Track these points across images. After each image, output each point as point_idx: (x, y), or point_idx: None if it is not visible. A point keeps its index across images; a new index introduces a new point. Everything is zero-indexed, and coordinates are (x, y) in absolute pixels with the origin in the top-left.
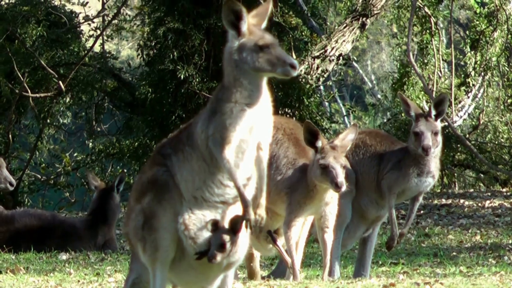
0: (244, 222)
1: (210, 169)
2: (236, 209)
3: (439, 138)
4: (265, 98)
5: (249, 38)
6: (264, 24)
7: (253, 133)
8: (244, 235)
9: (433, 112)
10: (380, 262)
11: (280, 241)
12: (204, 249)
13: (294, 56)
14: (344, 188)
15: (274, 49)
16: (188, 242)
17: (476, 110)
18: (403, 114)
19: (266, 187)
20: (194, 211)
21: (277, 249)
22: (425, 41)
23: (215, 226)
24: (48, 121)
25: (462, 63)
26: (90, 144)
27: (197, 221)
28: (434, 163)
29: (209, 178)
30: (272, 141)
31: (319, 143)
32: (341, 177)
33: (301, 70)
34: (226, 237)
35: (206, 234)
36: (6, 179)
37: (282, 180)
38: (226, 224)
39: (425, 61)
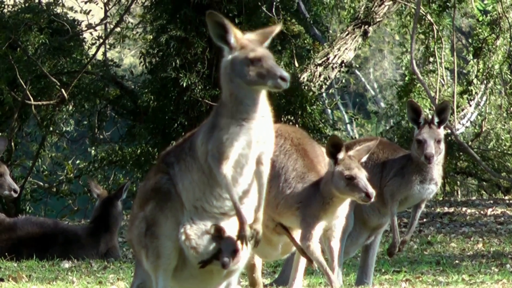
0: (240, 239)
1: (210, 182)
2: (236, 221)
3: (442, 145)
4: (264, 110)
5: (241, 52)
6: (267, 43)
7: (252, 147)
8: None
9: (436, 120)
10: (383, 270)
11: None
12: (207, 258)
13: (297, 64)
14: (373, 199)
15: (265, 62)
16: (190, 252)
17: (479, 117)
18: (405, 122)
19: (275, 200)
20: (195, 221)
21: (290, 238)
22: (431, 49)
23: (219, 232)
24: (51, 128)
25: (464, 71)
26: (93, 151)
27: (198, 231)
28: (436, 170)
29: (208, 190)
30: (279, 151)
31: (341, 155)
32: (370, 187)
33: (303, 78)
34: (238, 244)
35: (207, 243)
36: (10, 186)
37: (292, 194)
38: (229, 233)
39: (430, 68)
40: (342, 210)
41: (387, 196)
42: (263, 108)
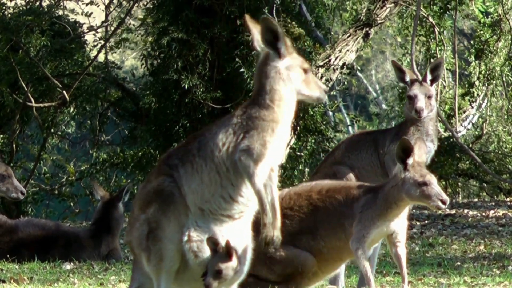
0: (264, 238)
1: (223, 182)
2: (241, 224)
3: (433, 102)
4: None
5: (293, 60)
6: None
7: (274, 153)
8: (246, 251)
9: (429, 77)
10: (384, 272)
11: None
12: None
13: None
14: (447, 206)
15: (311, 74)
16: (190, 255)
17: (480, 119)
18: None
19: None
20: (199, 224)
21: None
22: (432, 51)
23: (214, 245)
24: (52, 131)
25: (466, 72)
26: (94, 154)
27: (201, 234)
28: (431, 126)
29: (219, 191)
30: (325, 207)
31: (410, 160)
32: (444, 193)
33: None
34: (222, 264)
35: (208, 249)
36: (17, 188)
37: (356, 216)
38: (230, 238)
39: None
40: (404, 212)
41: (389, 164)
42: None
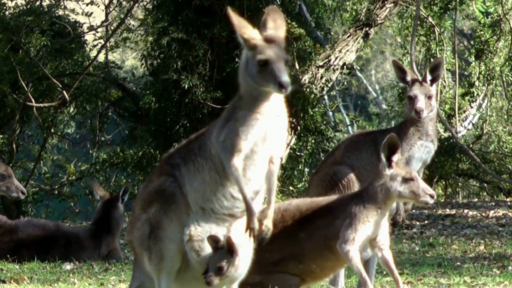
0: (248, 231)
1: (222, 181)
2: (242, 223)
3: (433, 102)
4: (280, 110)
5: (253, 52)
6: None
7: (266, 145)
8: (247, 249)
9: (429, 77)
10: (385, 272)
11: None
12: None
13: (298, 66)
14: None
15: (270, 65)
16: (192, 255)
17: (480, 120)
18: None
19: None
20: (200, 223)
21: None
22: (432, 51)
23: (215, 243)
24: (52, 131)
25: (466, 73)
26: (94, 154)
27: (202, 233)
28: (431, 126)
29: (220, 190)
30: (305, 234)
31: (395, 158)
32: (430, 188)
33: (305, 80)
34: (224, 260)
35: (209, 248)
36: (18, 188)
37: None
38: (232, 236)
39: None
40: (385, 215)
41: None
42: (279, 107)
